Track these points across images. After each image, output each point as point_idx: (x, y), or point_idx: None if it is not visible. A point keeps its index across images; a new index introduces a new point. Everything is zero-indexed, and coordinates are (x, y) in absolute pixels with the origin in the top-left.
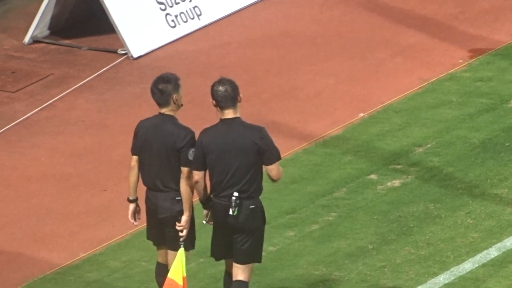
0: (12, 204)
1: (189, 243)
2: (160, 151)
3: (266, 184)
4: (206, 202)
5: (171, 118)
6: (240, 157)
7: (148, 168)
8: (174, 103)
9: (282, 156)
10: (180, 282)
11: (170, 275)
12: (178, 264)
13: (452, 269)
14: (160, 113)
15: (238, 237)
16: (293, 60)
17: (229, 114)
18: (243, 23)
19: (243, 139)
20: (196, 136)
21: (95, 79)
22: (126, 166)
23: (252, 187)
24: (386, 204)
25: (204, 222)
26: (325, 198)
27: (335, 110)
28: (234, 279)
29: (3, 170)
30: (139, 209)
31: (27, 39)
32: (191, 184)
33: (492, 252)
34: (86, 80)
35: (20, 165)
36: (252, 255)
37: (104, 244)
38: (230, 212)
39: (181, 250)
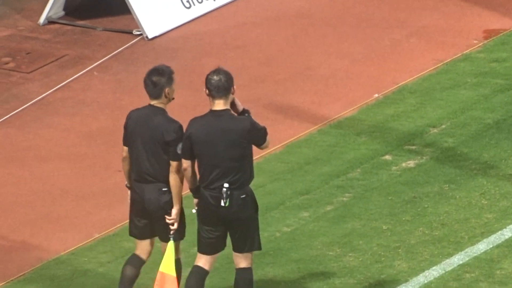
0: (26, 184)
1: (179, 234)
2: (148, 143)
3: (281, 164)
4: (196, 190)
5: (161, 111)
6: (229, 149)
7: (136, 159)
8: (166, 96)
9: (297, 137)
10: (174, 274)
11: (161, 268)
12: (169, 257)
13: (466, 250)
14: (150, 105)
15: (233, 229)
16: (308, 40)
17: (219, 105)
18: (258, 3)
19: (232, 131)
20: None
21: (110, 60)
22: None
23: (242, 178)
24: (400, 185)
25: (194, 211)
26: (339, 179)
27: (349, 91)
28: (236, 267)
29: (17, 151)
30: None
31: (42, 19)
32: (181, 177)
33: (507, 233)
34: (101, 60)
35: (34, 146)
36: (251, 244)
37: (118, 225)
38: (222, 204)
39: (171, 243)
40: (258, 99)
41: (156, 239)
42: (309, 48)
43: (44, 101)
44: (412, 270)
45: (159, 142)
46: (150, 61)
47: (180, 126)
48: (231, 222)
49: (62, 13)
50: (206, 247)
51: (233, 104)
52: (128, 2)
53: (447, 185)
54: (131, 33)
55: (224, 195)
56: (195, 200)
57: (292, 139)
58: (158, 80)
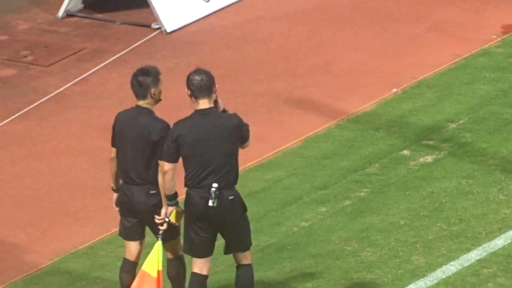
0: (44, 178)
1: (171, 233)
2: (136, 144)
3: (298, 159)
4: (172, 197)
5: (148, 111)
6: (218, 147)
7: (123, 160)
8: (152, 97)
9: (315, 131)
10: (155, 275)
11: (144, 267)
12: (153, 257)
13: (484, 245)
14: (137, 106)
15: (223, 230)
16: (326, 34)
17: (204, 104)
18: None
19: (222, 128)
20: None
21: (129, 54)
22: None
23: (230, 177)
24: (418, 180)
25: (167, 220)
26: (357, 174)
27: (368, 85)
28: (238, 263)
29: (36, 145)
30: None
31: (60, 13)
32: (167, 177)
33: None
34: (120, 54)
35: (52, 140)
36: (245, 243)
37: None
38: (210, 204)
39: (158, 243)
40: (276, 93)
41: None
42: (327, 42)
43: (63, 95)
44: (429, 265)
45: (147, 142)
46: (169, 55)
47: (167, 125)
48: (219, 223)
49: (80, 6)
50: (198, 250)
51: (215, 103)
52: None
53: (465, 181)
54: (150, 26)
55: (213, 195)
56: (170, 209)
57: (310, 133)
58: (144, 80)
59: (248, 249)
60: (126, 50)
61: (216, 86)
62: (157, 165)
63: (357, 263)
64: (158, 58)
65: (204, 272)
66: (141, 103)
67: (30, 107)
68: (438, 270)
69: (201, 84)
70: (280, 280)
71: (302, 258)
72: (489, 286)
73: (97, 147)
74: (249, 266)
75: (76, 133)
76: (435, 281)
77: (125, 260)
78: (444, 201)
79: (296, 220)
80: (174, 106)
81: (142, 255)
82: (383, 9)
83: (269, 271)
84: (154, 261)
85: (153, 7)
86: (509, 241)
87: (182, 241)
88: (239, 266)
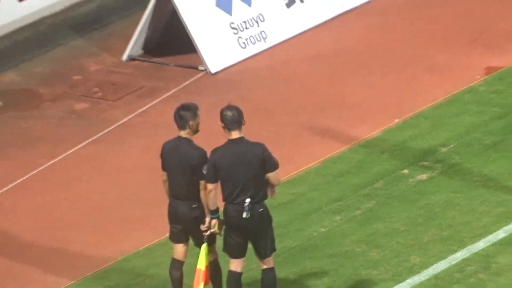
0: (110, 192)
1: (212, 239)
2: (179, 168)
3: (318, 176)
4: (215, 211)
5: (187, 141)
6: (247, 170)
7: (171, 181)
8: (190, 128)
9: (332, 154)
10: (203, 268)
11: (198, 265)
12: (202, 256)
13: (468, 247)
14: (178, 136)
15: (253, 238)
16: (342, 74)
17: (235, 134)
18: (301, 44)
19: (249, 154)
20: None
21: (180, 91)
22: None
23: (260, 194)
24: (415, 194)
25: (212, 230)
26: (366, 189)
27: (375, 116)
28: (262, 267)
29: (104, 165)
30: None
31: (124, 57)
32: (209, 194)
33: (501, 234)
34: (172, 91)
35: (117, 161)
36: (271, 248)
37: None
38: (244, 215)
39: (205, 245)
40: (300, 123)
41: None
42: (342, 80)
43: (126, 125)
44: (423, 263)
45: (187, 166)
46: (213, 93)
47: (203, 152)
48: (250, 232)
49: (141, 51)
50: (234, 251)
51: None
52: (195, 43)
53: (453, 194)
54: (197, 68)
55: (246, 208)
56: (213, 222)
57: (328, 156)
58: (184, 114)
59: (270, 255)
60: (177, 88)
61: (244, 119)
62: (197, 184)
63: (365, 261)
64: (203, 95)
65: (239, 270)
66: (182, 133)
67: (100, 134)
68: (430, 267)
69: (233, 118)
70: (302, 276)
71: (320, 258)
72: (471, 280)
73: (154, 167)
74: (271, 269)
75: (137, 155)
76: (427, 277)
77: (173, 259)
78: (436, 210)
79: (316, 227)
80: (218, 134)
81: (188, 256)
82: (389, 54)
83: (294, 269)
84: (202, 258)
85: (200, 52)
86: (488, 244)
87: (221, 245)
88: (263, 270)
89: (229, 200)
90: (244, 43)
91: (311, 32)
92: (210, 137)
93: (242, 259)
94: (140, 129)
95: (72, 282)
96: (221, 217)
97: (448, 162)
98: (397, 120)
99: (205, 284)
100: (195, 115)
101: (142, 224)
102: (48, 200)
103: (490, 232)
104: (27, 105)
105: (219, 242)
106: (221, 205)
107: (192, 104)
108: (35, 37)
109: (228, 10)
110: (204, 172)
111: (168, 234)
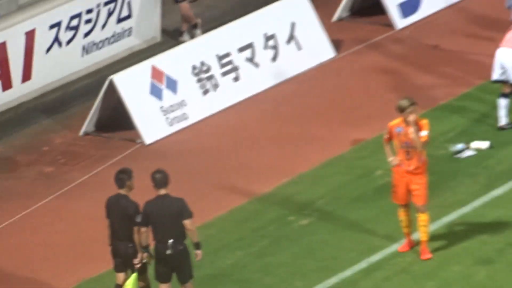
0: (69, 233)
1: (145, 269)
2: (119, 216)
3: (224, 221)
4: (146, 247)
5: (125, 196)
6: (171, 217)
7: (113, 226)
8: (127, 187)
9: (235, 205)
10: None
11: None
12: (130, 282)
13: (338, 275)
14: (118, 193)
15: (177, 268)
16: (240, 147)
17: (162, 191)
18: (213, 123)
19: (172, 206)
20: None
21: (122, 158)
22: None
23: (180, 236)
24: (299, 235)
25: (144, 261)
26: (261, 231)
27: (269, 176)
28: None
29: (66, 213)
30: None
31: (81, 132)
32: (141, 236)
33: (363, 264)
34: (116, 158)
35: (76, 211)
36: (189, 276)
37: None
38: (168, 252)
39: (135, 274)
40: (211, 184)
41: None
42: (243, 151)
43: (83, 183)
44: (305, 286)
45: (125, 215)
46: (147, 160)
47: (137, 205)
48: (173, 264)
49: (93, 128)
50: (162, 278)
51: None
52: (134, 121)
53: (328, 235)
54: (135, 141)
55: (169, 246)
56: (145, 255)
57: (232, 207)
58: (122, 176)
59: (189, 281)
60: (120, 156)
61: (169, 179)
62: (132, 228)
63: (260, 285)
64: (140, 161)
65: None
66: (121, 191)
67: (63, 190)
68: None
69: (160, 179)
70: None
71: (228, 283)
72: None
73: (103, 216)
74: None
75: (91, 207)
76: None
77: (116, 285)
78: (314, 247)
79: (224, 259)
80: (150, 191)
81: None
82: (279, 132)
83: None
84: (130, 284)
85: (137, 128)
86: (353, 272)
87: (151, 274)
88: None
89: (157, 240)
90: (171, 121)
91: (221, 113)
92: (143, 193)
93: (169, 283)
94: (93, 187)
95: None
96: (152, 252)
97: (324, 211)
98: (285, 179)
99: None
100: (130, 177)
101: (95, 258)
102: (22, 241)
103: (355, 263)
104: (7, 169)
105: (152, 271)
106: (152, 243)
107: (128, 168)
108: (15, 117)
109: (159, 97)
110: (138, 220)
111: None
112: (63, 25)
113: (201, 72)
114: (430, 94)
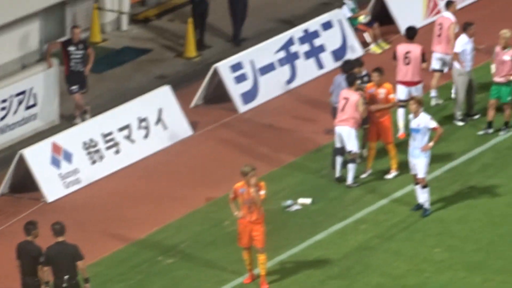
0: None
1: None
2: (26, 258)
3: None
4: (47, 282)
5: (31, 242)
6: (67, 259)
7: (22, 265)
8: (32, 235)
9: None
10: None
11: None
12: None
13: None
14: (25, 240)
15: None
16: (124, 206)
17: (60, 238)
18: (105, 184)
19: (68, 250)
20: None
21: (31, 213)
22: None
23: (74, 273)
24: (166, 270)
25: None
26: (138, 267)
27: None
28: None
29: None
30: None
31: None
32: (44, 274)
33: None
34: (25, 213)
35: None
36: None
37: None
38: (64, 285)
39: None
40: (102, 232)
41: None
42: (130, 211)
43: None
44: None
45: (30, 257)
46: (49, 215)
47: (40, 249)
48: None
49: (8, 190)
50: None
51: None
52: (39, 185)
53: (186, 271)
54: (40, 200)
55: (65, 281)
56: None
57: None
58: (29, 227)
59: None
60: (29, 211)
61: (66, 229)
62: (36, 267)
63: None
64: (43, 215)
65: None
66: (28, 238)
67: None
68: None
69: (59, 229)
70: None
71: None
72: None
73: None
74: None
75: (6, 251)
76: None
77: None
78: (180, 277)
79: None
80: (50, 238)
81: None
82: (154, 197)
83: None
84: None
85: (41, 190)
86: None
87: None
88: None
89: (56, 276)
90: (67, 184)
91: (106, 178)
92: (46, 240)
93: None
94: (7, 235)
95: None
96: (51, 285)
97: (185, 252)
98: (155, 228)
99: None
100: (35, 227)
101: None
102: None
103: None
104: None
105: None
106: (51, 279)
107: (34, 220)
108: None
109: (58, 166)
110: (42, 260)
111: None
112: None
113: (90, 147)
114: (267, 162)
